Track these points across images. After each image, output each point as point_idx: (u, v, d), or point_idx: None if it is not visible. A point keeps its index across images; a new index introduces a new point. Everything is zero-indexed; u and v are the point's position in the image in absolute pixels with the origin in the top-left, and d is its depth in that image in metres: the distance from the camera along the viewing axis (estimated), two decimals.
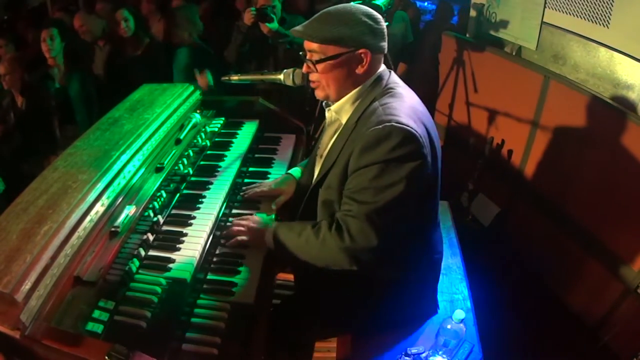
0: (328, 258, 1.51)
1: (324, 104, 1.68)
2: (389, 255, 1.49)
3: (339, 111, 1.59)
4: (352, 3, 1.54)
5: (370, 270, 1.52)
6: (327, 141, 1.67)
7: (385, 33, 1.52)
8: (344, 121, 1.58)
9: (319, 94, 1.60)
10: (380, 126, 1.39)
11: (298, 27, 1.52)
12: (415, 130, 1.39)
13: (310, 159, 1.87)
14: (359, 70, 1.50)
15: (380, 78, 1.55)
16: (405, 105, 1.47)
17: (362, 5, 1.50)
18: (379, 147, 1.39)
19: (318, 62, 1.50)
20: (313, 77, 1.56)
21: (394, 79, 1.59)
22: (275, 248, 1.63)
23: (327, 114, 1.67)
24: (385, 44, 1.53)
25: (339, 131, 1.60)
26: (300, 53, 1.60)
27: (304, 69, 1.58)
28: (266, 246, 1.66)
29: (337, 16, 1.46)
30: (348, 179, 1.48)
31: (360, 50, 1.47)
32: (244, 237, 1.69)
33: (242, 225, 1.72)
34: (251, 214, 1.88)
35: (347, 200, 1.47)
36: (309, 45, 1.51)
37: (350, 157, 1.46)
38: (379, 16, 1.50)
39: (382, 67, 1.59)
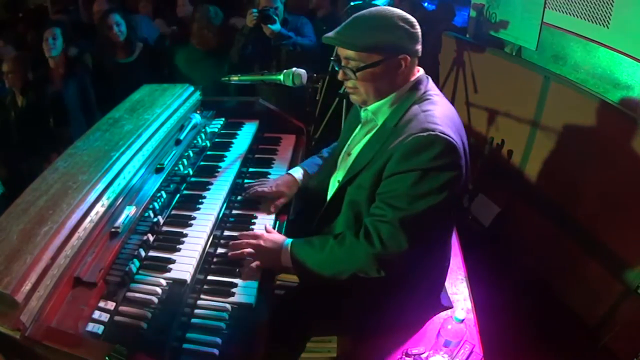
0: (355, 266, 1.48)
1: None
2: (415, 262, 1.49)
3: (376, 112, 1.57)
4: (382, 7, 1.49)
5: (394, 275, 1.51)
6: (359, 139, 1.65)
7: (420, 36, 1.49)
8: (379, 122, 1.56)
9: (356, 100, 1.58)
10: (424, 134, 1.38)
11: (331, 34, 1.49)
12: (456, 142, 1.39)
13: (334, 154, 1.85)
14: (399, 75, 1.49)
15: (419, 82, 1.54)
16: (445, 115, 1.46)
17: (395, 9, 1.47)
18: (421, 154, 1.38)
19: (359, 70, 1.47)
20: (349, 83, 1.54)
21: (432, 86, 1.57)
22: (293, 267, 1.58)
23: (362, 113, 1.64)
24: (420, 47, 1.50)
25: (373, 131, 1.58)
26: (332, 58, 1.58)
27: (340, 76, 1.55)
28: (282, 267, 1.61)
29: (373, 22, 1.45)
30: (383, 182, 1.46)
31: (400, 56, 1.45)
32: (257, 262, 1.61)
33: (252, 246, 1.63)
34: (252, 215, 1.88)
35: (381, 205, 1.45)
36: (344, 52, 1.49)
37: (389, 161, 1.44)
38: (413, 19, 1.48)
39: (421, 72, 1.57)
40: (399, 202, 1.41)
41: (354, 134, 1.71)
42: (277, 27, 3.04)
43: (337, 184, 1.68)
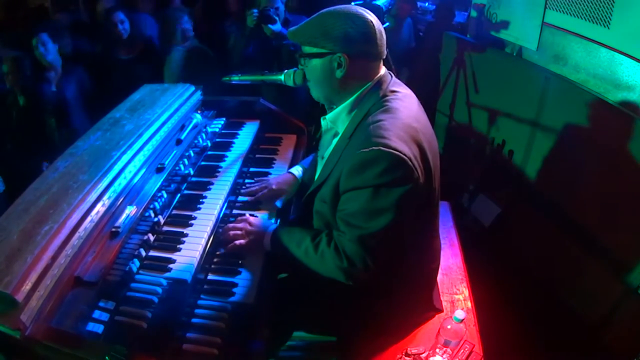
0: (325, 272, 1.51)
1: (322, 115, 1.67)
2: (392, 269, 1.50)
3: (335, 120, 1.57)
4: (346, 5, 1.48)
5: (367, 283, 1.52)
6: (327, 144, 1.65)
7: (376, 38, 1.43)
8: (340, 131, 1.55)
9: (312, 94, 1.62)
10: (367, 149, 1.33)
11: (291, 29, 1.55)
12: (404, 155, 1.33)
13: (313, 158, 1.87)
14: (339, 74, 1.45)
15: (377, 87, 1.49)
16: (398, 123, 1.39)
17: (355, 8, 1.45)
18: (365, 171, 1.35)
19: (301, 58, 1.53)
20: (307, 76, 1.59)
21: (394, 87, 1.51)
22: (273, 251, 1.64)
23: (322, 122, 1.64)
24: (375, 50, 1.45)
25: (336, 139, 1.57)
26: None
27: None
28: (264, 249, 1.66)
29: (323, 18, 1.46)
30: (340, 198, 1.46)
31: (338, 54, 1.43)
32: (241, 242, 1.67)
33: (239, 229, 1.70)
34: (251, 215, 1.88)
35: (340, 223, 1.46)
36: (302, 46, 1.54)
37: (341, 175, 1.43)
38: (368, 19, 1.42)
39: (382, 73, 1.52)
40: (355, 221, 1.40)
41: (323, 138, 1.71)
42: (277, 27, 3.03)
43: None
